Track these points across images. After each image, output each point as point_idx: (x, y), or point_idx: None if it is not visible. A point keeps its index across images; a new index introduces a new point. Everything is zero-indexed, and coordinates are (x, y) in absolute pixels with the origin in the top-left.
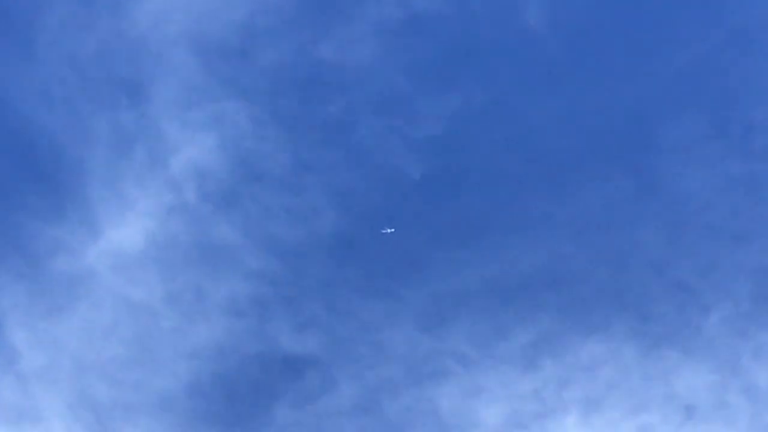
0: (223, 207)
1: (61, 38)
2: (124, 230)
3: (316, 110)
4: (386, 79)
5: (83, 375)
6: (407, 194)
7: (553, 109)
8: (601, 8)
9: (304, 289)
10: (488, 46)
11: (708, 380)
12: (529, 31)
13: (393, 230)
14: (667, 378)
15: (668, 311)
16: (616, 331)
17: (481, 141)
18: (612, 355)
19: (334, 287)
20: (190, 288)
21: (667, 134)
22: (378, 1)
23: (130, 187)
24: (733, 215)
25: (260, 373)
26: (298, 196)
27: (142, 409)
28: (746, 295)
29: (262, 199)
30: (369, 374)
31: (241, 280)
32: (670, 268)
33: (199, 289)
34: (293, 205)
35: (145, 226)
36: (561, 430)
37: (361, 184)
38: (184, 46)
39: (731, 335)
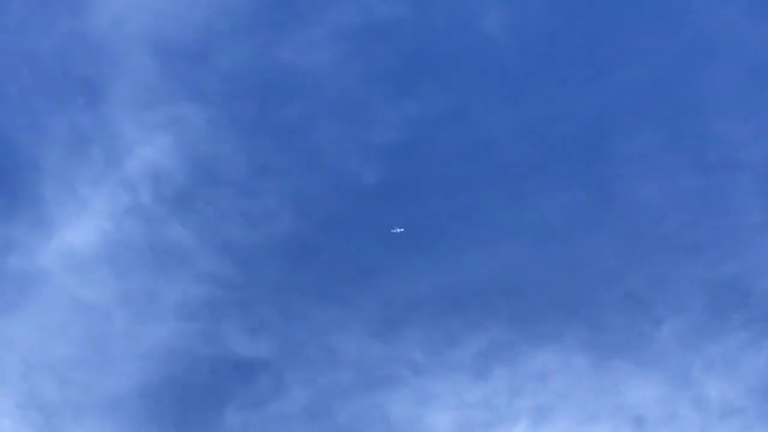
0: (178, 209)
1: (19, 37)
2: (78, 230)
3: (273, 114)
4: (344, 85)
5: (33, 374)
6: (363, 199)
7: (511, 118)
8: (561, 18)
9: (257, 293)
10: (447, 53)
11: (658, 392)
12: (488, 40)
13: (402, 230)
14: (618, 389)
15: (620, 322)
16: (568, 340)
17: (438, 148)
18: (563, 365)
19: (288, 291)
20: (143, 289)
21: (624, 145)
22: (338, 7)
23: (84, 187)
24: (688, 227)
25: (211, 375)
26: (254, 199)
27: (91, 409)
28: (698, 308)
29: (217, 201)
30: (320, 379)
31: (195, 282)
32: (623, 279)
33: (151, 290)
34: (249, 209)
35: (99, 227)
36: None
37: (317, 188)
38: (143, 47)
39: (683, 347)
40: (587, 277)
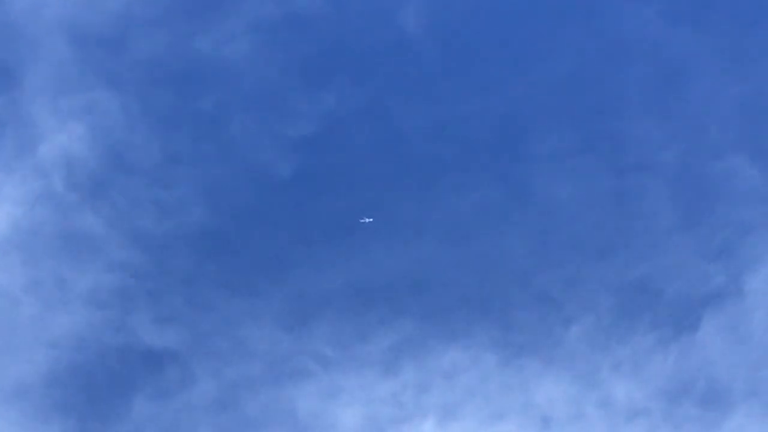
0: (90, 197)
1: None
2: None
3: (189, 104)
4: (261, 76)
5: None
6: (277, 192)
7: (426, 114)
8: (478, 16)
9: (168, 283)
10: (365, 47)
11: (566, 392)
12: (405, 36)
13: (372, 220)
14: (526, 388)
15: (530, 321)
16: (477, 338)
17: (352, 142)
18: (472, 363)
19: (199, 282)
20: (53, 277)
21: (538, 145)
22: None
23: None
24: (600, 229)
25: (119, 365)
26: (167, 189)
27: None
28: (608, 309)
29: (130, 190)
30: (228, 371)
31: (105, 271)
32: (534, 279)
33: (61, 278)
34: (161, 198)
35: (10, 213)
36: None
37: (230, 180)
38: (59, 34)
39: (591, 348)
40: (498, 275)
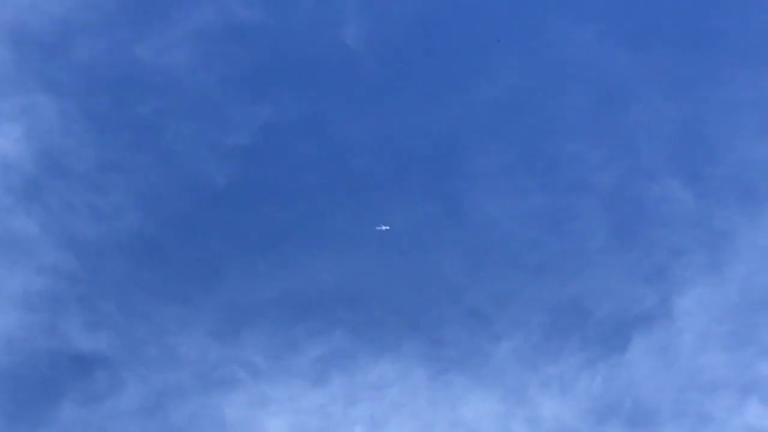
0: (24, 199)
1: None
2: None
3: (127, 110)
4: (200, 85)
5: None
6: (212, 201)
7: (364, 129)
8: (419, 33)
9: (100, 288)
10: (305, 60)
11: (494, 408)
12: (347, 50)
13: (388, 228)
14: (454, 403)
15: (461, 337)
16: (407, 352)
17: (289, 154)
18: (401, 377)
19: (131, 288)
20: None
21: (475, 162)
22: (199, 7)
23: None
24: (533, 247)
25: (49, 369)
26: (102, 194)
27: None
28: (538, 327)
29: (64, 194)
30: (158, 378)
31: (37, 274)
32: (466, 295)
33: None
34: (96, 203)
35: None
36: None
37: (166, 187)
38: None
39: (520, 365)
40: (430, 290)
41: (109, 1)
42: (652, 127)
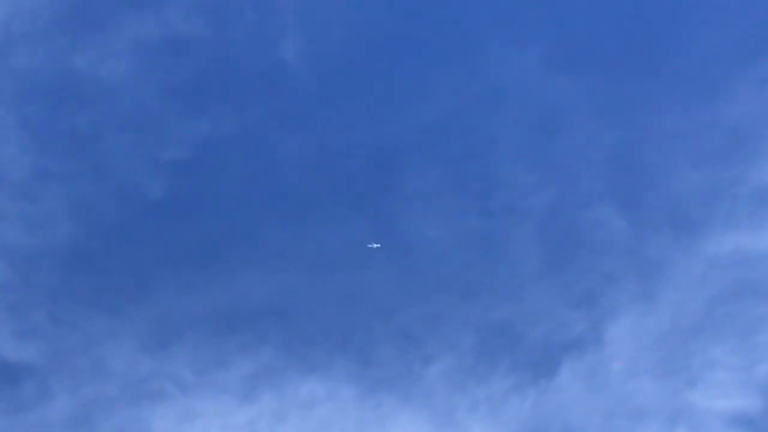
0: None
1: None
2: None
3: (63, 120)
4: (137, 97)
5: None
6: (146, 213)
7: (298, 145)
8: (358, 50)
9: (30, 297)
10: (243, 75)
11: (422, 429)
12: (284, 65)
13: (379, 246)
14: (382, 423)
15: (390, 357)
16: (336, 371)
17: (225, 168)
18: (330, 395)
19: (61, 298)
20: None
21: (409, 182)
22: (137, 18)
23: None
24: (465, 269)
25: None
26: (35, 203)
27: None
28: (468, 350)
29: None
30: (85, 389)
31: None
32: (396, 315)
33: None
34: (28, 212)
35: None
36: None
37: (100, 198)
38: None
39: (449, 387)
40: (361, 309)
41: (48, 11)
42: (588, 153)
